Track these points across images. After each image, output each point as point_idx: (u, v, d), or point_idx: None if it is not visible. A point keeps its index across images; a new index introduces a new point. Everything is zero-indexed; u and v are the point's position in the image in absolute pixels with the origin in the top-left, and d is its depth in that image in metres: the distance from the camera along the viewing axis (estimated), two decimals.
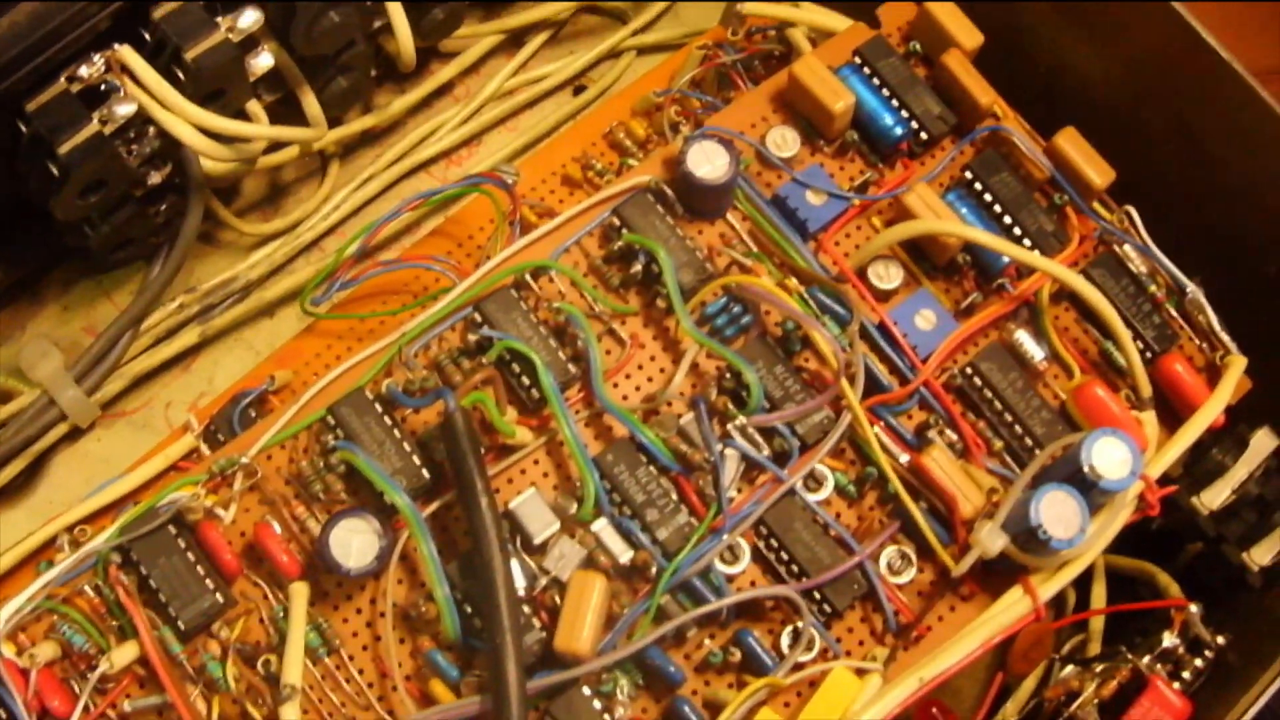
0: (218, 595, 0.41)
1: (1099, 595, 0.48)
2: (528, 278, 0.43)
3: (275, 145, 0.49)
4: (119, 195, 0.47)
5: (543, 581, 0.41)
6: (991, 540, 0.40)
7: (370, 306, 0.48)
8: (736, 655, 0.41)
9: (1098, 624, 0.48)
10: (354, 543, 0.40)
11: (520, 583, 0.40)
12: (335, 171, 0.52)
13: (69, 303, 0.52)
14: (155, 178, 0.48)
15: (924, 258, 0.45)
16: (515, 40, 0.54)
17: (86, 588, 0.42)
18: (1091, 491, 0.40)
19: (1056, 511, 0.40)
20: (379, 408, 0.42)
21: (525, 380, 0.42)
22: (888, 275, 0.45)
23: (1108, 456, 0.40)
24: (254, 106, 0.48)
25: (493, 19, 0.54)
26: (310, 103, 0.49)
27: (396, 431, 0.42)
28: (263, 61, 0.47)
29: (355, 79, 0.50)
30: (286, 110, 0.49)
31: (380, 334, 0.44)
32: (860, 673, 0.41)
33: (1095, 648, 0.48)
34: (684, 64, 0.49)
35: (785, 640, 0.42)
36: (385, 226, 0.48)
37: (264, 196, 0.53)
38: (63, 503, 0.50)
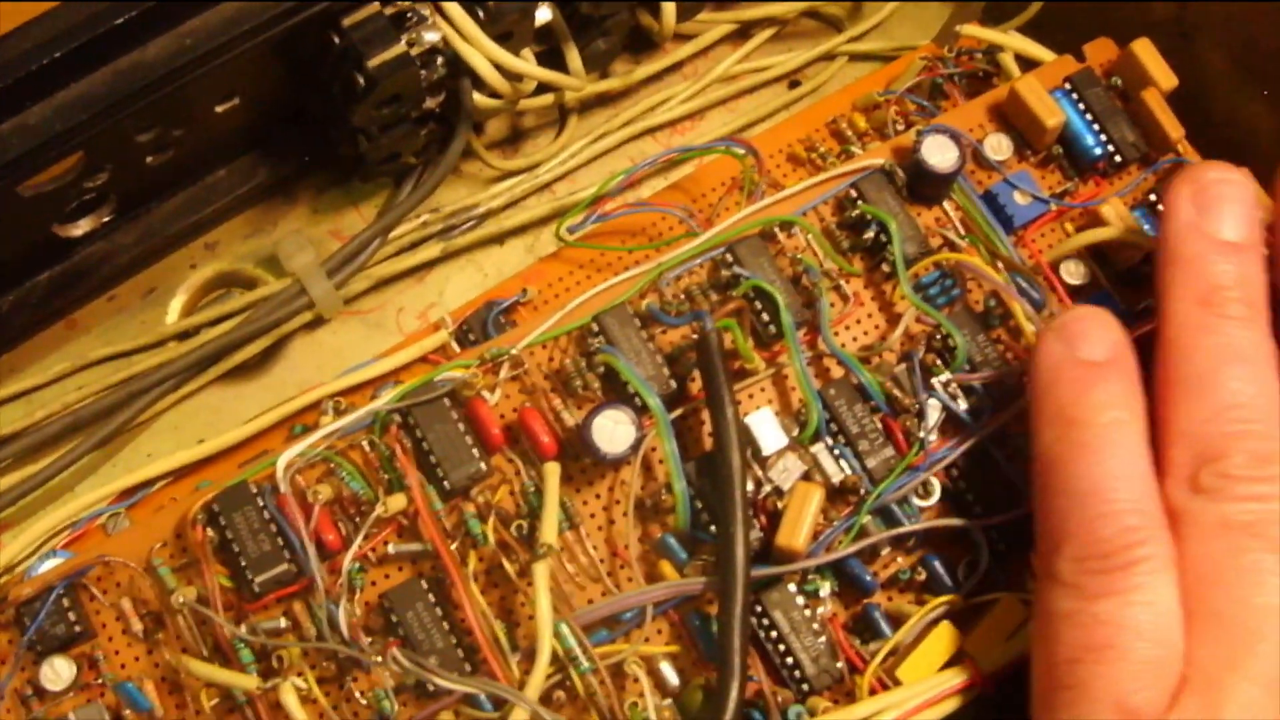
0: (481, 463, 0.47)
1: None
2: (776, 230, 0.50)
3: (537, 91, 0.56)
4: (402, 113, 0.53)
5: (766, 489, 0.47)
6: None
7: (610, 243, 0.53)
8: (922, 575, 0.47)
9: None
10: (614, 431, 0.46)
11: (748, 486, 0.46)
12: (574, 124, 0.59)
13: (319, 207, 0.58)
14: (431, 103, 0.54)
15: (1107, 263, 0.52)
16: (743, 32, 0.61)
17: (364, 443, 0.47)
18: None
19: None
20: (637, 322, 0.48)
21: (764, 317, 0.48)
22: (1076, 273, 0.51)
23: None
24: (527, 53, 0.54)
25: (726, 9, 0.60)
26: (574, 58, 0.55)
27: (651, 344, 0.48)
28: (542, 15, 0.54)
29: (611, 44, 0.56)
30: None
31: (617, 268, 0.51)
32: (1026, 603, 0.47)
33: None
34: (905, 71, 0.56)
35: (962, 571, 0.48)
36: (640, 174, 0.54)
37: (505, 138, 0.60)
38: (295, 385, 0.55)
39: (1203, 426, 0.41)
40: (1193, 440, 0.41)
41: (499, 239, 0.58)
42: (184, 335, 0.56)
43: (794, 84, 0.61)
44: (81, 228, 0.54)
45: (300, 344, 0.56)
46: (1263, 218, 0.44)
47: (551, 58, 0.56)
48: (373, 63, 0.50)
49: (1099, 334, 0.42)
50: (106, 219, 0.55)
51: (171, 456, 0.51)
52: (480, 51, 0.51)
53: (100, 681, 0.46)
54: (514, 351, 0.48)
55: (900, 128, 0.54)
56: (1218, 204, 0.43)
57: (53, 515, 0.51)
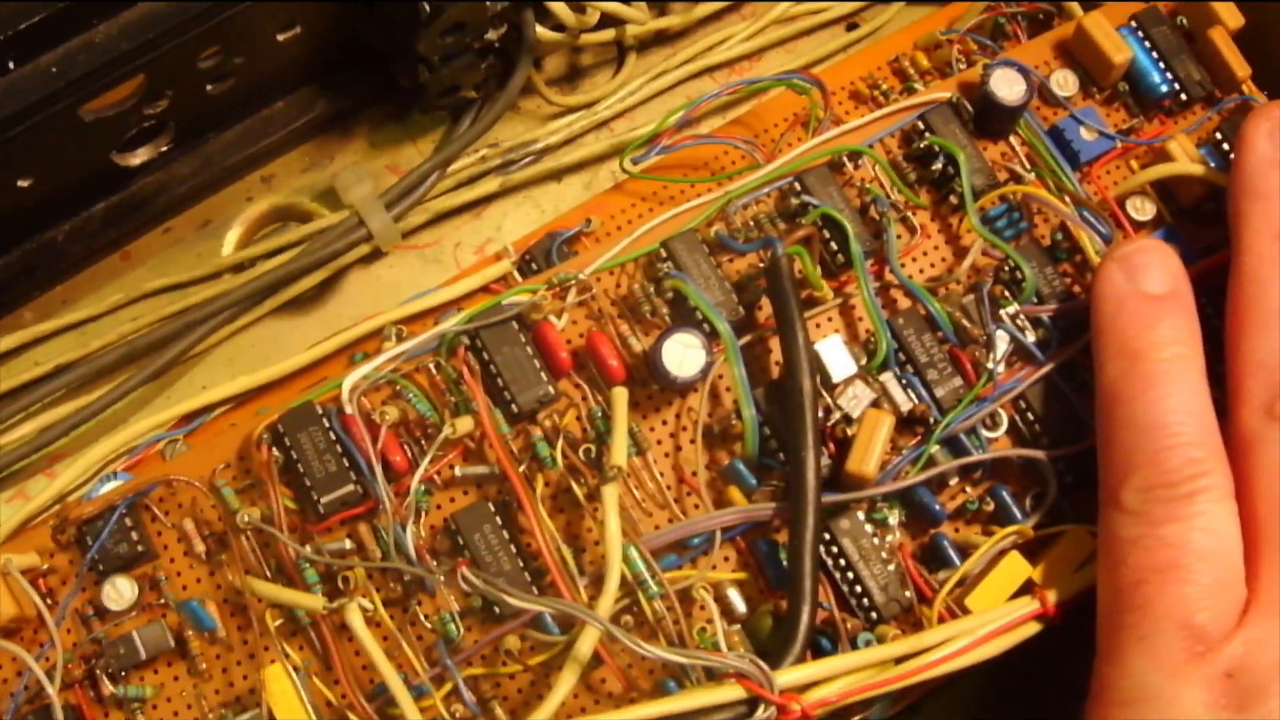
0: (549, 386, 0.46)
1: None
2: (845, 160, 0.50)
3: (597, 27, 0.55)
4: (465, 43, 0.53)
5: (835, 416, 0.46)
6: None
7: (673, 176, 0.53)
8: (990, 506, 0.47)
9: None
10: (684, 355, 0.46)
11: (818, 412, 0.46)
12: (632, 62, 0.59)
13: (376, 141, 0.58)
14: (492, 35, 0.54)
15: (1172, 199, 0.51)
16: None
17: (430, 366, 0.47)
18: None
19: None
20: (705, 248, 0.48)
21: (832, 247, 0.48)
22: (1142, 209, 0.51)
23: None
24: None
25: None
26: None
27: (719, 271, 0.48)
28: None
29: None
30: None
31: (680, 201, 0.50)
32: (1094, 535, 0.46)
33: None
34: (966, 12, 0.56)
35: (1029, 502, 0.48)
36: (701, 108, 0.54)
37: (563, 75, 0.60)
38: (350, 318, 0.55)
39: (1278, 358, 0.42)
40: (1269, 371, 0.42)
41: (556, 175, 0.57)
42: (239, 268, 0.56)
43: (851, 26, 0.61)
44: (139, 156, 0.54)
45: (356, 277, 0.56)
46: None
47: None
48: None
49: (1161, 266, 0.43)
50: (164, 149, 0.55)
51: (232, 382, 0.51)
52: None
53: (162, 602, 0.46)
54: (582, 276, 0.48)
55: (963, 66, 0.54)
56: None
57: (111, 440, 0.51)
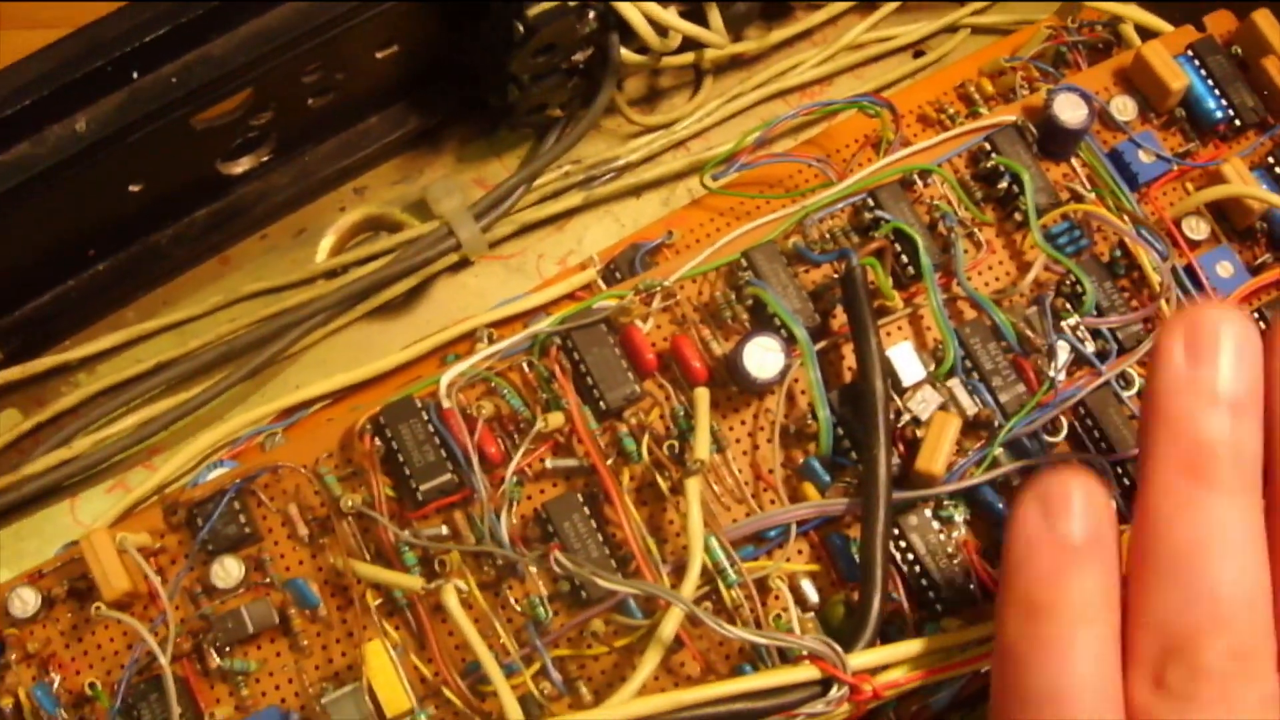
0: (636, 385, 0.49)
1: None
2: (915, 178, 0.52)
3: (676, 51, 0.58)
4: (554, 63, 0.56)
5: (905, 418, 0.49)
6: None
7: (750, 193, 0.56)
8: None
9: None
10: (764, 358, 0.48)
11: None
12: (709, 85, 0.62)
13: (463, 156, 0.61)
14: (579, 56, 0.57)
15: (1226, 220, 0.54)
16: (870, 3, 0.64)
17: (523, 364, 0.50)
18: None
19: None
20: (783, 259, 0.51)
21: (902, 259, 0.51)
22: (1197, 229, 0.54)
23: None
24: (671, 11, 0.57)
25: None
26: (715, 17, 0.58)
27: (796, 280, 0.50)
28: None
29: (749, 8, 0.59)
30: None
31: (755, 217, 0.53)
32: None
33: None
34: (1029, 40, 0.59)
35: None
36: (776, 129, 0.57)
37: (642, 96, 0.63)
38: (437, 324, 0.58)
39: (1174, 616, 0.36)
40: (1161, 631, 0.36)
41: (636, 191, 0.60)
42: (332, 274, 0.59)
43: (918, 54, 0.64)
44: (242, 165, 0.57)
45: (444, 285, 0.59)
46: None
47: (693, 19, 0.58)
48: (532, 11, 0.53)
49: (1082, 508, 0.37)
50: (265, 159, 0.58)
51: (329, 379, 0.53)
52: (636, 8, 0.54)
53: (267, 582, 0.48)
54: (667, 284, 0.50)
55: (1026, 92, 0.57)
56: (1213, 352, 0.37)
57: (212, 433, 0.53)
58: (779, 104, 0.62)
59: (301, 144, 0.58)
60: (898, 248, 0.51)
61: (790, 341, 0.49)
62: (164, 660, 0.45)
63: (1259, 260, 0.54)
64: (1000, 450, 0.49)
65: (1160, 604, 0.37)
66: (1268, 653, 0.36)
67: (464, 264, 0.59)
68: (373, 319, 0.58)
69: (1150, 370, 0.38)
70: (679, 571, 0.46)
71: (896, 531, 0.48)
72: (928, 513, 0.48)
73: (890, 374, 0.49)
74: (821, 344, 0.50)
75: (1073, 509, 0.37)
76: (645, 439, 0.48)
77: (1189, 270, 0.53)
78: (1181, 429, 0.37)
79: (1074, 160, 0.54)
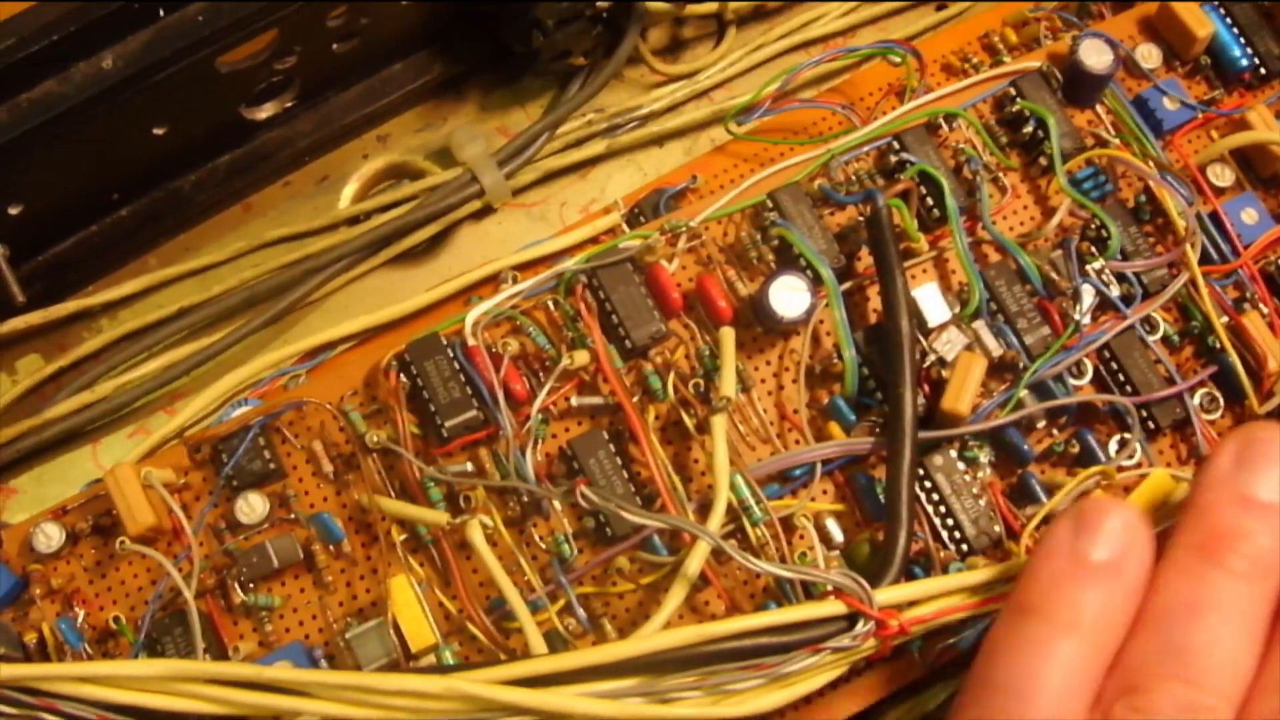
0: (662, 324, 0.49)
1: None
2: (941, 122, 0.52)
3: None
4: (579, 9, 0.56)
5: (931, 359, 0.49)
6: None
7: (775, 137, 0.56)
8: (1075, 448, 0.50)
9: None
10: (790, 297, 0.48)
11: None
12: (732, 35, 0.62)
13: (486, 104, 0.61)
14: (603, 4, 0.57)
15: (1251, 168, 0.54)
16: None
17: (549, 303, 0.50)
18: None
19: None
20: (809, 200, 0.51)
21: (928, 202, 0.51)
22: (1222, 176, 0.54)
23: None
24: None
25: None
26: None
27: (821, 221, 0.50)
28: None
29: None
30: None
31: (779, 162, 0.53)
32: (1175, 478, 0.49)
33: None
34: None
35: (1113, 446, 0.50)
36: (799, 76, 0.57)
37: (665, 46, 0.63)
38: (459, 270, 0.57)
39: (1144, 661, 0.37)
40: (1128, 672, 0.37)
41: (659, 140, 0.60)
42: (354, 221, 0.59)
43: (941, 6, 0.64)
44: (266, 111, 0.57)
45: (467, 232, 0.59)
46: None
47: None
48: None
49: (1111, 533, 0.38)
50: (288, 105, 0.58)
51: (353, 321, 0.53)
52: None
53: (292, 518, 0.48)
54: (693, 224, 0.50)
55: (1050, 41, 0.57)
56: (1259, 461, 0.38)
57: (237, 374, 0.53)
58: (801, 55, 0.62)
59: (325, 90, 0.58)
60: (923, 190, 0.51)
61: (816, 282, 0.49)
62: (189, 594, 0.45)
63: None
64: (1025, 392, 0.49)
65: (1138, 650, 0.37)
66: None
67: (487, 211, 0.59)
68: (395, 266, 0.58)
69: (1196, 472, 0.40)
70: (704, 510, 0.46)
71: (922, 471, 0.48)
72: (953, 453, 0.48)
73: (916, 314, 0.49)
74: (847, 284, 0.50)
75: (1101, 530, 0.38)
76: (671, 377, 0.48)
77: (1214, 217, 0.53)
78: (1205, 517, 0.38)
79: (1099, 107, 0.54)
